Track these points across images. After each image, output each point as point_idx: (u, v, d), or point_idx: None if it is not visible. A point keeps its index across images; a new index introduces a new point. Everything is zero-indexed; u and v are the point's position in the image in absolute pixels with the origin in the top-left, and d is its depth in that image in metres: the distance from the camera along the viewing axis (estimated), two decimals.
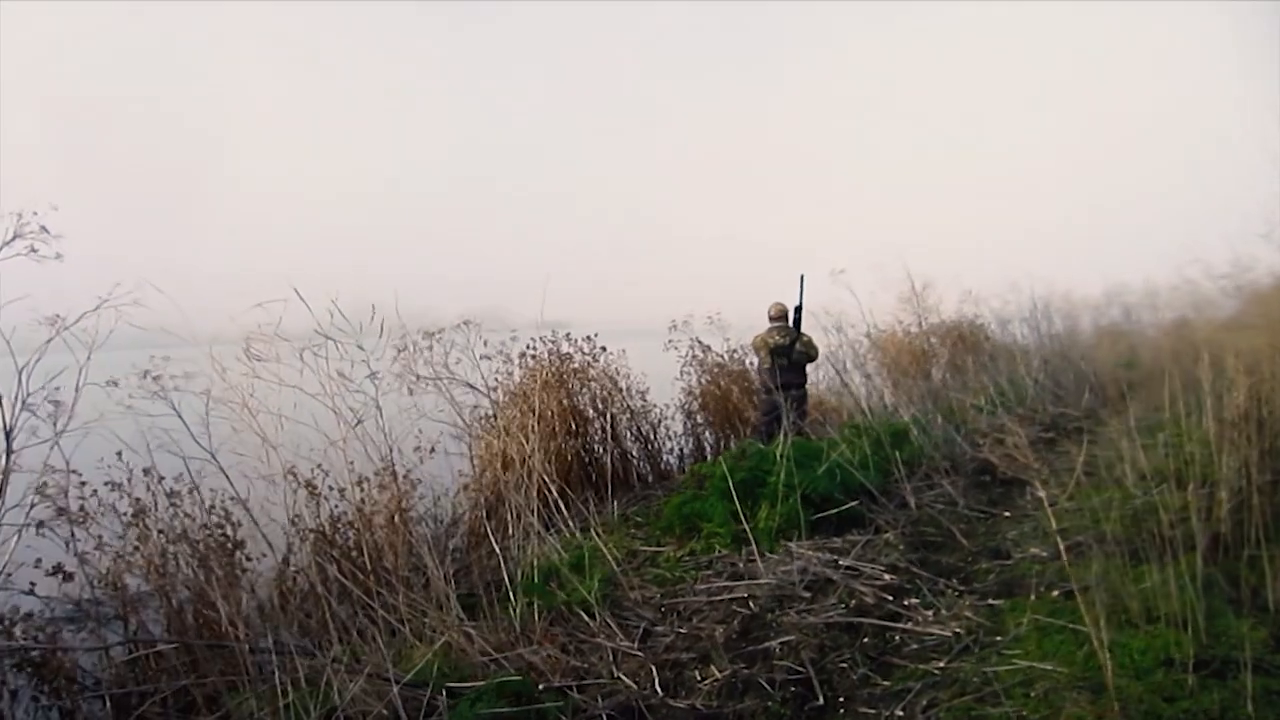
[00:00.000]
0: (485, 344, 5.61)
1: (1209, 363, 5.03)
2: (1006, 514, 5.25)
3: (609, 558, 4.37)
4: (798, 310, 7.18)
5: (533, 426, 5.83)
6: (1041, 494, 5.72)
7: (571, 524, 5.26)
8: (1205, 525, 3.97)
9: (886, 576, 3.98)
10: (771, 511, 4.74)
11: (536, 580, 3.94)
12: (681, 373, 7.90)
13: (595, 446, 6.60)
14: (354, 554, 4.04)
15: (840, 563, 4.17)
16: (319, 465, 4.12)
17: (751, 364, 7.87)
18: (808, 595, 3.79)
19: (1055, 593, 3.80)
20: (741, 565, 4.34)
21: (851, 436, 6.03)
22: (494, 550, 4.14)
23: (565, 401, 6.46)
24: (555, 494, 5.15)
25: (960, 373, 10.76)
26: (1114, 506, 4.82)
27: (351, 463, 4.24)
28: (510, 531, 4.43)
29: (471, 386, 5.21)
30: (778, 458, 4.96)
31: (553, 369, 6.50)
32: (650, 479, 7.03)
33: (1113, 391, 10.85)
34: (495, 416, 5.68)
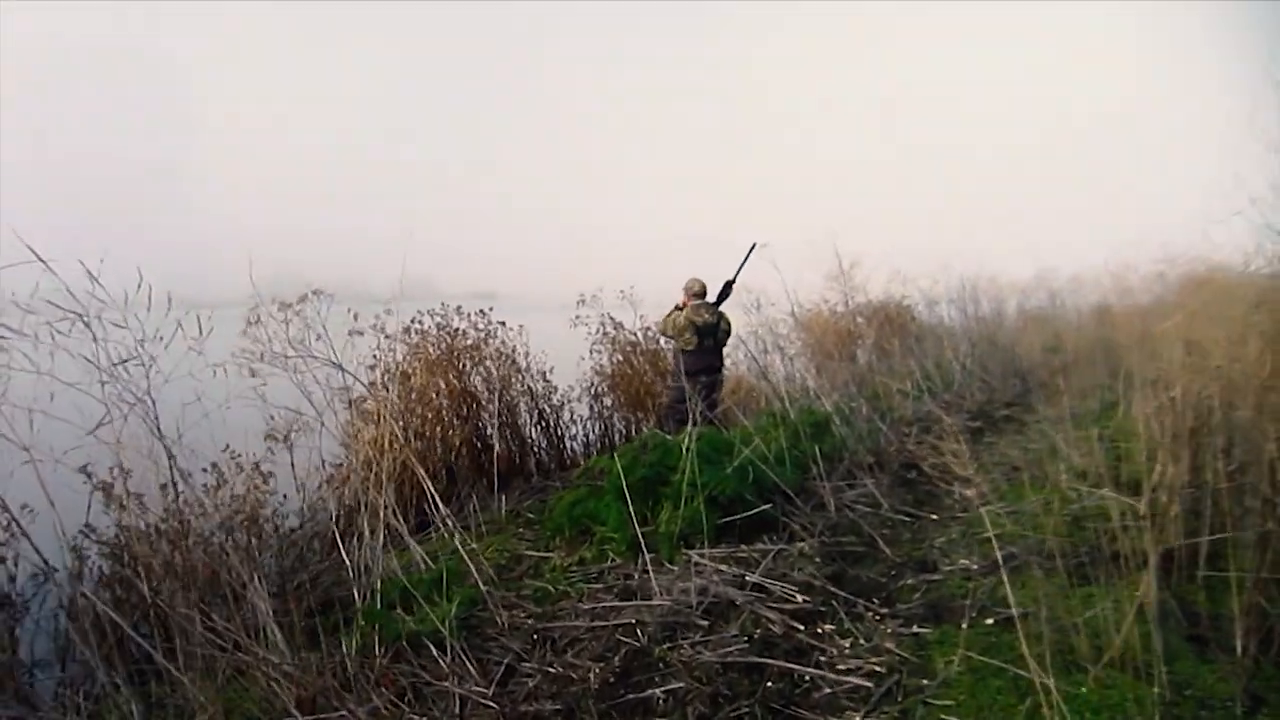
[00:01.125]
0: (356, 318, 4.85)
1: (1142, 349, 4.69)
2: (934, 516, 4.78)
3: (479, 570, 3.74)
4: (729, 284, 6.60)
5: (414, 410, 5.15)
6: (970, 494, 5.33)
7: (450, 524, 4.60)
8: (1156, 538, 3.54)
9: (799, 598, 3.43)
10: (674, 514, 4.16)
11: (383, 602, 3.28)
12: (591, 351, 7.25)
13: (488, 433, 5.92)
14: (164, 569, 3.31)
15: (747, 578, 3.61)
16: (119, 466, 3.34)
17: (665, 344, 7.27)
18: (705, 624, 3.21)
19: (990, 620, 3.31)
20: (635, 579, 3.75)
21: (767, 427, 5.49)
22: (344, 561, 3.45)
23: (455, 382, 5.76)
24: (432, 489, 4.49)
25: (887, 356, 10.38)
26: (1050, 511, 4.39)
27: (173, 459, 3.51)
28: (369, 536, 3.75)
29: (337, 365, 4.47)
30: (683, 452, 4.38)
31: (440, 346, 5.79)
32: (552, 468, 6.38)
33: (1040, 378, 10.62)
34: (366, 400, 4.95)
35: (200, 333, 3.70)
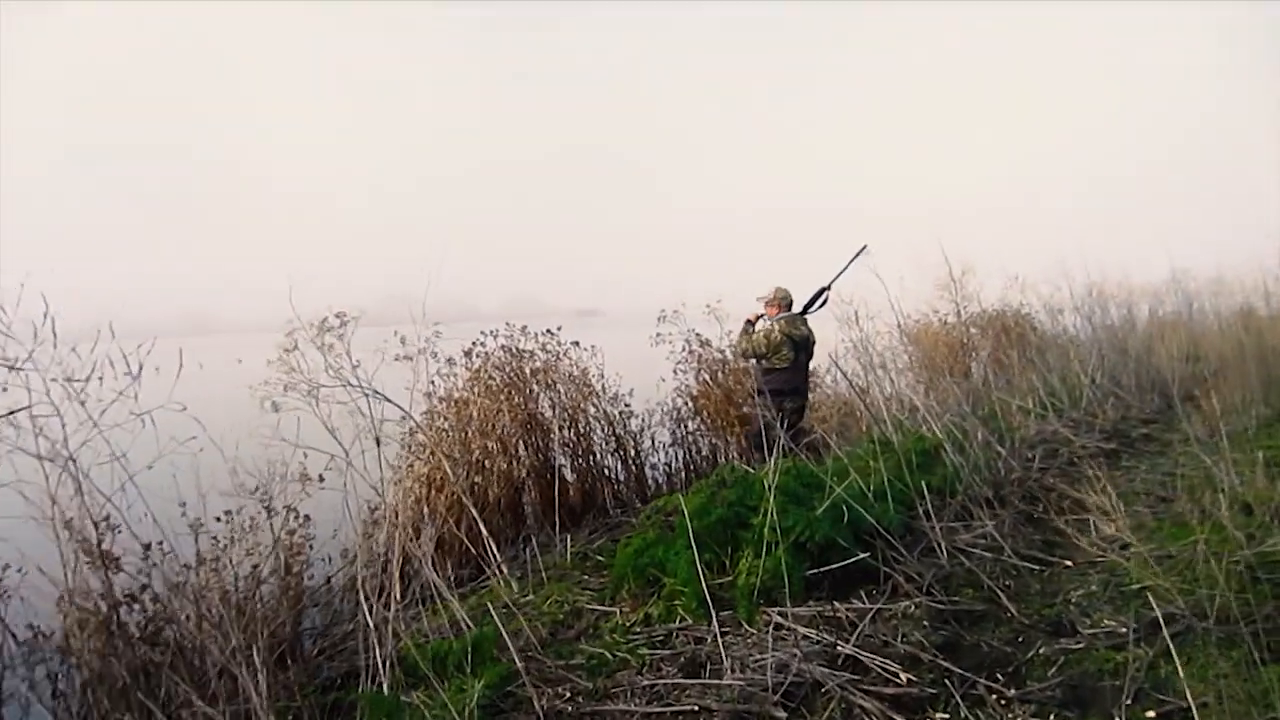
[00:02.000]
0: (404, 342, 4.46)
1: None
2: (1068, 563, 4.03)
3: (524, 634, 3.25)
4: (823, 291, 5.99)
5: (472, 442, 4.74)
6: (1110, 531, 4.54)
7: (505, 571, 4.15)
8: None
9: (903, 677, 2.79)
10: (754, 564, 3.57)
11: (403, 677, 2.82)
12: (675, 370, 6.73)
13: (559, 463, 5.47)
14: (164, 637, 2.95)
15: (838, 648, 3.00)
16: (105, 519, 2.97)
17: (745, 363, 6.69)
18: (783, 716, 2.61)
19: (1151, 714, 2.60)
20: (706, 646, 3.18)
21: (866, 456, 4.84)
22: (369, 624, 3.02)
23: (522, 408, 5.34)
24: (487, 531, 4.05)
25: (1004, 370, 9.46)
26: (1210, 556, 3.62)
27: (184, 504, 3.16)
28: (396, 593, 3.33)
29: (378, 395, 4.08)
30: (765, 489, 3.80)
31: (506, 370, 5.38)
32: (631, 501, 5.87)
33: (1181, 392, 9.50)
34: (418, 431, 4.57)
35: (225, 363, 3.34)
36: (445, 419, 4.90)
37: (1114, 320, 12.19)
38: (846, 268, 5.95)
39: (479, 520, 4.17)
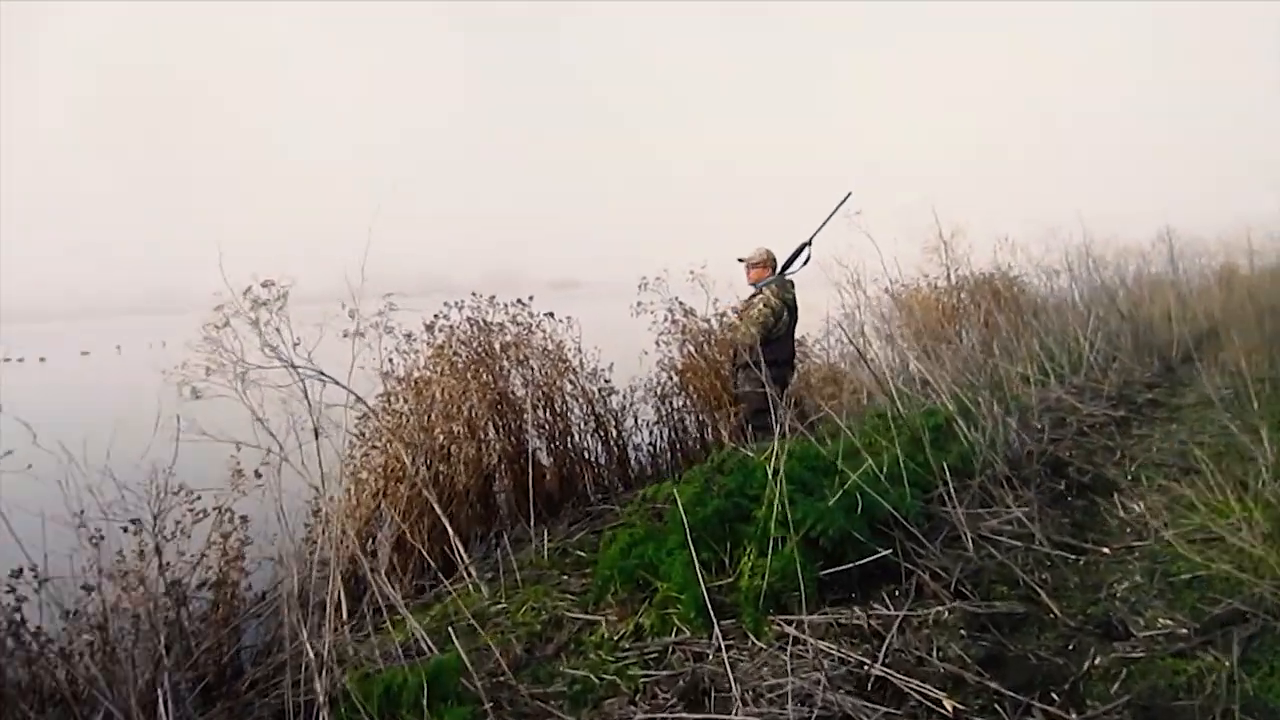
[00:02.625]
0: (353, 316, 3.91)
1: None
2: (1105, 550, 3.61)
3: (488, 656, 2.78)
4: (805, 247, 5.51)
5: (435, 426, 4.23)
6: (1139, 508, 4.14)
7: (474, 574, 3.66)
8: None
9: (947, 705, 2.34)
10: (759, 563, 3.12)
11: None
12: (658, 342, 6.23)
13: (534, 447, 4.98)
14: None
15: (866, 669, 2.54)
16: None
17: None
18: None
19: None
20: (708, 664, 2.72)
21: (873, 432, 4.39)
22: (302, 652, 2.51)
23: (491, 387, 4.82)
24: (452, 529, 3.57)
25: (997, 335, 9.05)
26: (1263, 538, 3.23)
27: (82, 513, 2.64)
28: (351, 610, 2.84)
29: (322, 376, 3.55)
30: (769, 475, 3.33)
31: (473, 345, 4.85)
32: (613, 486, 5.39)
33: (1176, 354, 9.17)
34: (372, 416, 4.06)
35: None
36: (405, 401, 4.37)
37: (1103, 281, 11.84)
38: (829, 219, 5.47)
39: (443, 516, 3.67)
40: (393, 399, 4.35)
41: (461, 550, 3.57)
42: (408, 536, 3.92)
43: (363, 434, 4.14)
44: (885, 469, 3.72)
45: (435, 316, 4.75)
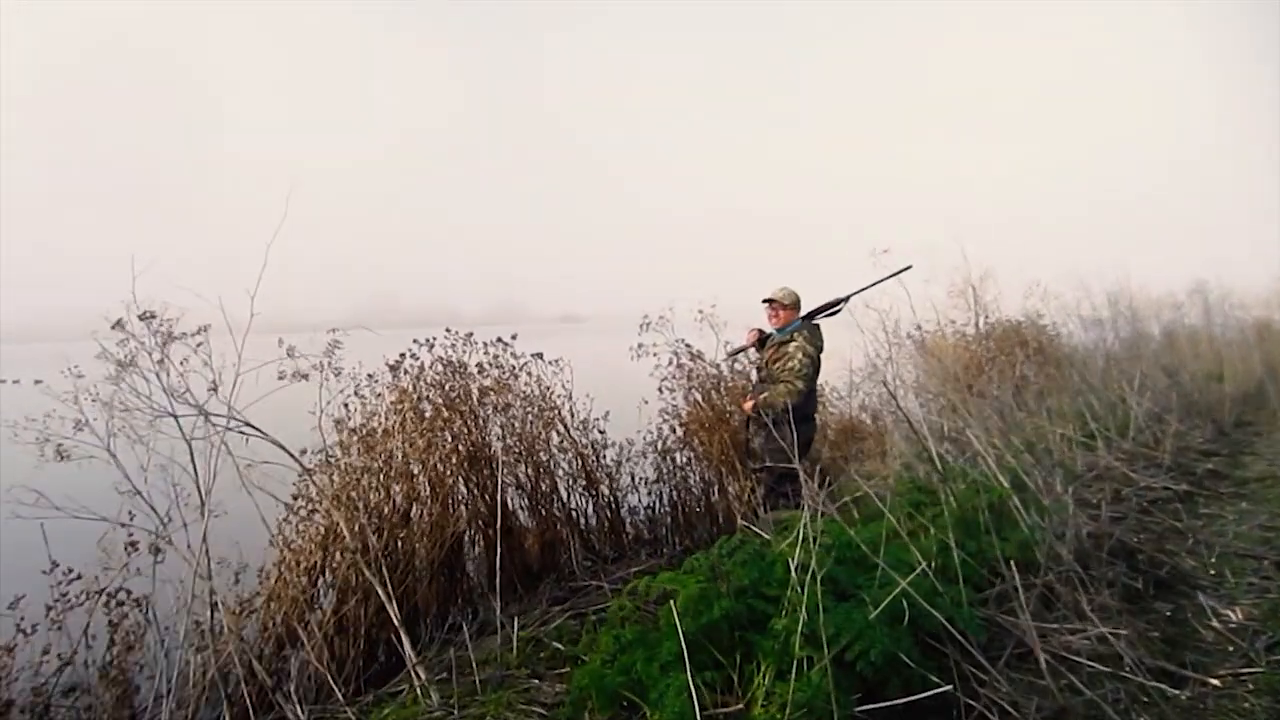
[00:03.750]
0: (291, 353, 3.24)
1: None
2: (1213, 680, 2.88)
3: None
4: (840, 302, 4.83)
5: (396, 484, 3.56)
6: (1239, 622, 3.42)
7: (421, 678, 2.96)
8: None
9: None
10: (777, 690, 2.41)
11: None
12: (661, 389, 5.55)
13: (512, 508, 4.29)
14: None
15: None
16: None
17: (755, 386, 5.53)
18: None
19: None
20: None
21: (912, 509, 3.70)
22: None
23: (464, 438, 4.14)
24: (402, 612, 2.89)
25: (1028, 389, 8.33)
26: None
27: None
28: None
29: (253, 430, 2.88)
30: (791, 570, 2.64)
31: (446, 390, 4.17)
32: (604, 555, 4.67)
33: (1226, 415, 8.44)
34: (309, 476, 3.37)
35: None
36: (355, 455, 3.68)
37: (1138, 332, 11.14)
38: (880, 283, 4.82)
39: (386, 597, 2.98)
40: (343, 452, 3.66)
41: (408, 645, 2.86)
42: (351, 620, 3.23)
43: (300, 497, 3.45)
44: (935, 559, 3.03)
45: (401, 356, 4.08)
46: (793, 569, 2.63)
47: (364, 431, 3.72)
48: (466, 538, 4.03)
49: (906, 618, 2.58)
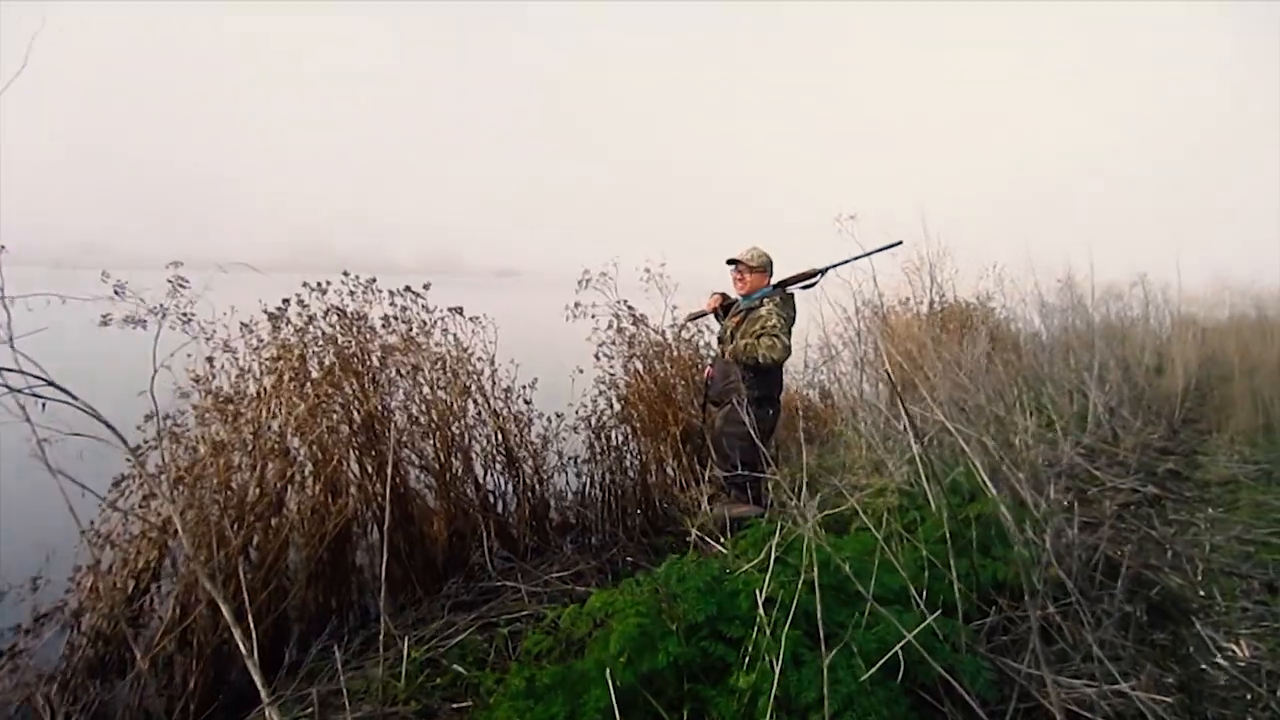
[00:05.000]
0: (118, 293, 2.50)
1: None
2: None
3: None
4: (819, 273, 4.24)
5: (266, 461, 2.86)
6: (1247, 659, 2.99)
7: (276, 718, 2.30)
8: None
9: None
10: None
11: None
12: (597, 355, 4.89)
13: (418, 491, 3.62)
14: None
15: None
16: None
17: (710, 358, 4.90)
18: None
19: None
20: None
21: (888, 514, 3.16)
22: None
23: (361, 407, 3.43)
24: (255, 627, 2.21)
25: (974, 375, 7.91)
26: None
27: None
28: None
29: (50, 389, 2.15)
30: (759, 604, 2.06)
31: (335, 347, 3.45)
32: (524, 542, 4.02)
33: (1176, 413, 8.19)
34: (154, 450, 2.65)
35: None
36: (219, 424, 2.95)
37: (1089, 321, 10.90)
38: (864, 256, 4.30)
39: (244, 620, 2.29)
40: (197, 422, 2.93)
41: (258, 679, 2.18)
42: (195, 637, 2.54)
43: (134, 478, 2.71)
44: (923, 582, 2.49)
45: (284, 303, 3.33)
46: (759, 602, 2.04)
47: (223, 398, 2.98)
48: (356, 527, 3.33)
49: (901, 671, 2.02)
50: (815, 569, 2.16)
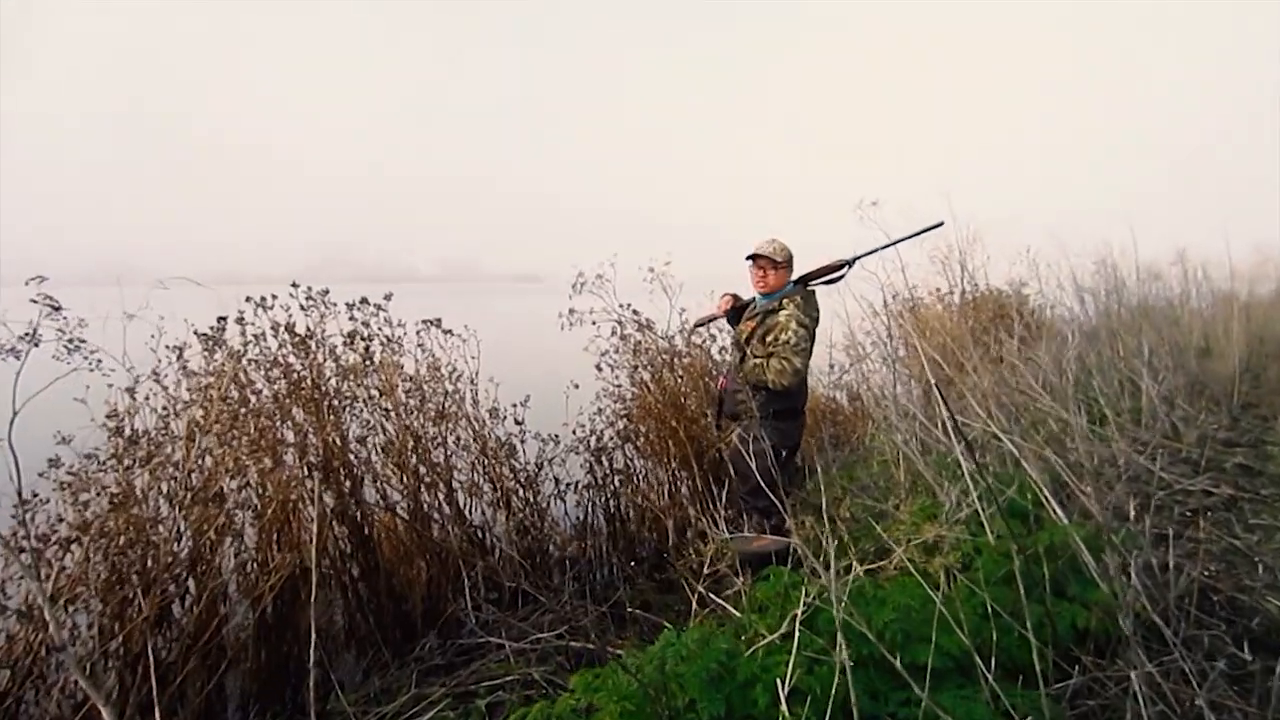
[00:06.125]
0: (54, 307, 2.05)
1: None
2: None
3: None
4: (845, 265, 3.71)
5: (195, 507, 2.41)
6: None
7: None
8: None
9: None
10: None
11: None
12: (599, 366, 4.41)
13: (386, 532, 3.14)
14: None
15: None
16: None
17: (723, 365, 4.41)
18: None
19: None
20: None
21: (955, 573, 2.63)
22: None
23: (318, 441, 2.97)
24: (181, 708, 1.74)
25: (1004, 365, 7.33)
26: None
27: None
28: None
29: None
30: (781, 698, 1.56)
31: (276, 372, 2.98)
32: (514, 586, 3.53)
33: (1234, 399, 7.56)
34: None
35: None
36: (128, 470, 2.50)
37: (1134, 305, 10.24)
38: (901, 241, 3.79)
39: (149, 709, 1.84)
40: (116, 467, 2.47)
41: None
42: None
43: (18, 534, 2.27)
44: (983, 635, 1.97)
45: (220, 321, 2.86)
46: (782, 696, 1.54)
47: (128, 437, 2.51)
48: (314, 579, 2.87)
49: None
50: (848, 644, 1.66)
